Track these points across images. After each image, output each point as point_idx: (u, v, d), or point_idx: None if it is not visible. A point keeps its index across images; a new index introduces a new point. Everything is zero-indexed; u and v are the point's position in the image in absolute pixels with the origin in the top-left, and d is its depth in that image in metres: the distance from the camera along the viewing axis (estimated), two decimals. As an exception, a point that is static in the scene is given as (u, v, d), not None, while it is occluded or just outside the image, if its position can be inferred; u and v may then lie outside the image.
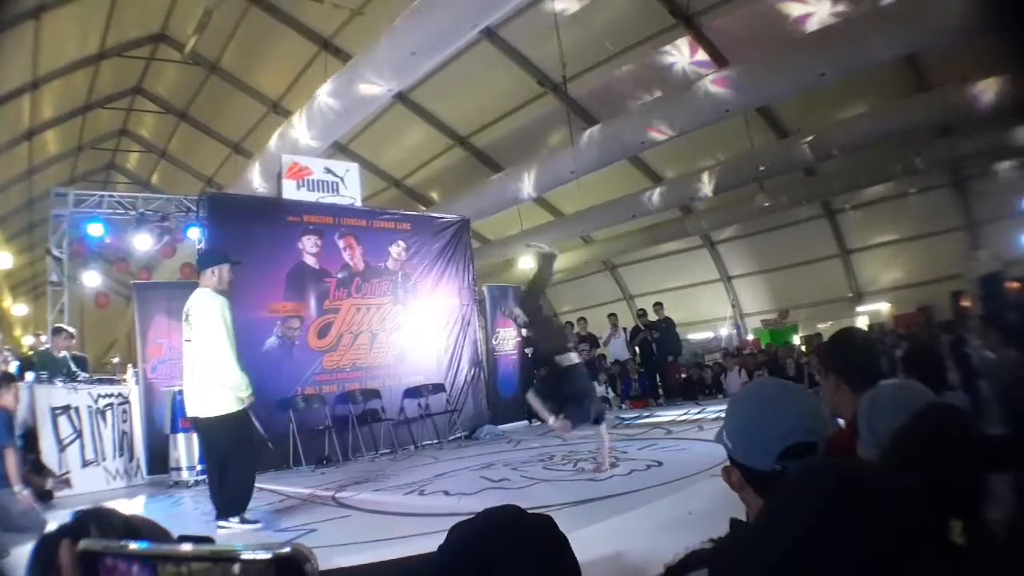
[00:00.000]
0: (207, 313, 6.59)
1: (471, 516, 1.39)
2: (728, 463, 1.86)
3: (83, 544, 1.09)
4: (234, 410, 6.55)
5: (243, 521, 6.51)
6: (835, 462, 1.33)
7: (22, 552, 5.61)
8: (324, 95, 12.93)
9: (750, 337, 21.05)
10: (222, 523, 6.46)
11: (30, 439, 9.07)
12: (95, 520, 1.29)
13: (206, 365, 6.58)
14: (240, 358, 6.65)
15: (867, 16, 11.27)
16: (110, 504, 1.49)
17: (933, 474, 1.45)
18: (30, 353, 13.62)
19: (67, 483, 8.96)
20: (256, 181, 15.19)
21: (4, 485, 6.90)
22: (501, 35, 14.88)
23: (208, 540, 1.55)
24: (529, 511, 1.41)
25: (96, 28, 16.03)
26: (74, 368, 10.63)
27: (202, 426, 6.76)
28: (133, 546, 1.08)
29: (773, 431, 1.73)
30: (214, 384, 6.55)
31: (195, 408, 6.69)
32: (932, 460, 1.57)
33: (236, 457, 6.65)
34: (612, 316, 17.82)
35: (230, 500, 6.55)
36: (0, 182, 19.56)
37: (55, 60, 15.97)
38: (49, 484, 8.53)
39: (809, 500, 1.05)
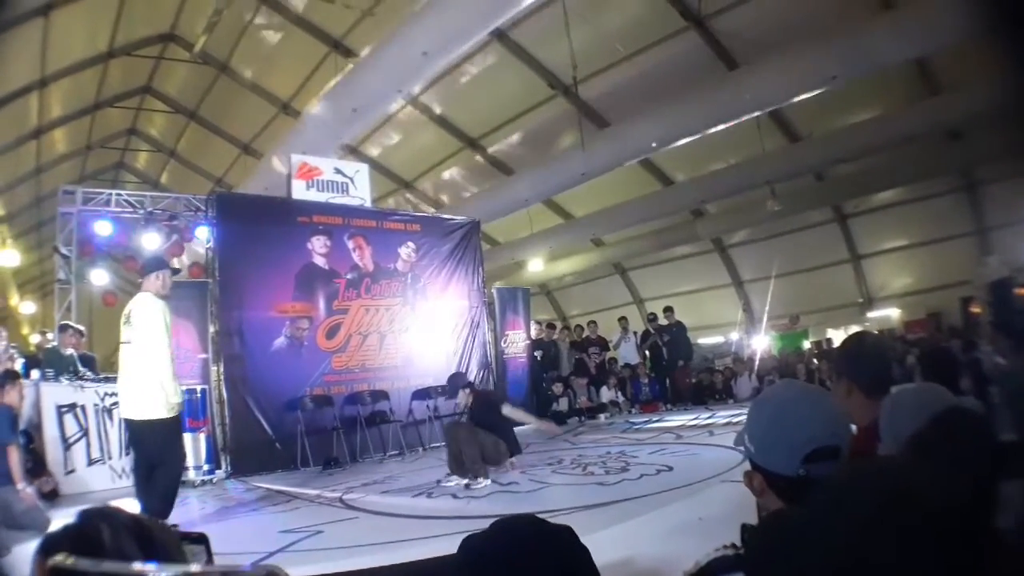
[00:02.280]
0: (149, 317, 6.59)
1: (483, 529, 1.34)
2: (749, 467, 1.82)
3: (53, 562, 1.06)
4: (167, 416, 6.51)
5: None
6: (879, 464, 1.30)
7: (23, 550, 5.60)
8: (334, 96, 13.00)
9: (760, 342, 20.98)
10: None
11: (32, 437, 9.02)
12: (105, 520, 1.25)
13: (144, 368, 6.53)
14: (172, 365, 6.64)
15: (878, 18, 11.27)
16: (116, 503, 1.45)
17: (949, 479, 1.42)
18: (36, 351, 13.61)
19: (54, 483, 8.92)
20: (265, 181, 15.19)
21: (7, 482, 6.90)
22: (511, 36, 14.87)
23: (203, 538, 1.51)
24: (546, 519, 1.36)
25: (105, 27, 16.07)
26: (80, 367, 10.59)
27: (134, 428, 6.67)
28: (107, 566, 1.04)
29: (797, 435, 1.70)
30: (150, 387, 6.49)
31: (130, 410, 6.62)
32: (947, 464, 1.53)
33: (163, 463, 6.57)
34: (623, 320, 17.77)
35: (156, 505, 6.39)
36: (8, 180, 19.61)
37: (63, 58, 15.99)
38: (35, 483, 8.46)
39: (860, 503, 1.03)
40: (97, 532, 1.22)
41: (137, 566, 1.12)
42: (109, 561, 1.10)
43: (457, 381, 9.51)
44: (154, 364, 6.52)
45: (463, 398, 9.15)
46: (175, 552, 1.31)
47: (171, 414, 6.54)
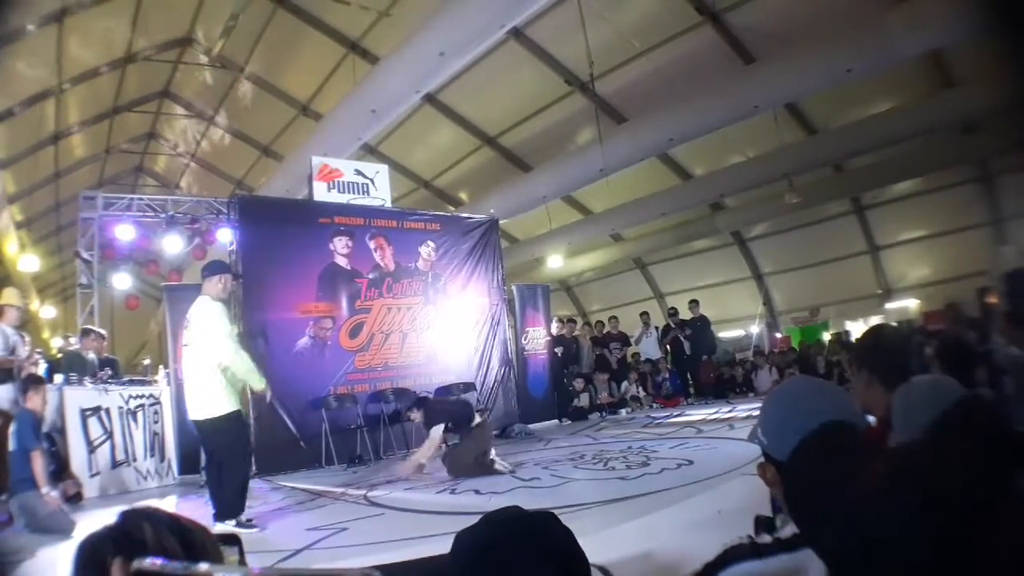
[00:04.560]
0: (207, 318, 6.69)
1: (473, 524, 1.41)
2: (763, 460, 1.87)
3: (137, 565, 1.10)
4: (229, 411, 6.63)
5: (239, 524, 6.46)
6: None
7: (48, 554, 5.70)
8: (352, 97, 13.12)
9: (780, 335, 20.96)
10: (219, 525, 6.39)
11: (51, 442, 9.01)
12: (147, 519, 1.29)
13: (202, 368, 6.66)
14: (241, 355, 6.79)
15: (892, 11, 11.26)
16: (143, 504, 1.50)
17: (964, 469, 1.47)
18: (59, 355, 13.74)
19: (79, 485, 8.97)
20: (286, 183, 15.30)
21: (31, 487, 6.99)
22: (528, 34, 14.90)
23: (235, 539, 1.56)
24: (553, 510, 1.43)
25: (121, 32, 16.18)
26: (98, 371, 10.67)
27: (201, 428, 6.78)
28: (200, 568, 1.08)
29: (807, 426, 1.75)
30: (208, 387, 6.62)
31: (194, 411, 6.76)
32: (963, 454, 1.58)
33: (228, 459, 6.70)
34: (644, 315, 17.70)
35: (225, 503, 6.58)
36: (27, 185, 19.76)
37: (80, 64, 16.15)
38: (60, 487, 8.51)
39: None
40: (140, 531, 1.27)
41: (229, 569, 1.16)
42: (203, 563, 1.14)
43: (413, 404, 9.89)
44: (219, 362, 6.63)
45: (416, 417, 9.54)
46: (213, 551, 1.36)
47: (233, 409, 6.67)
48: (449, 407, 9.65)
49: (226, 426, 6.62)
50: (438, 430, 8.78)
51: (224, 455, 6.71)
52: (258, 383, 6.90)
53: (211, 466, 6.97)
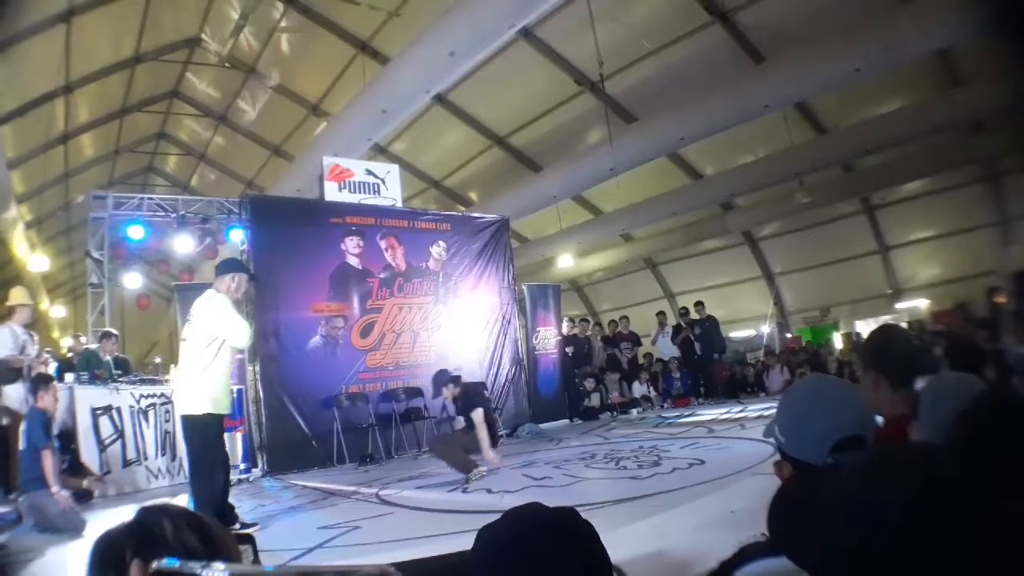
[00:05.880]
0: (210, 307, 6.43)
1: (496, 519, 1.44)
2: (779, 458, 1.88)
3: (156, 566, 1.11)
4: (202, 412, 6.27)
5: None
6: (924, 448, 1.36)
7: (57, 553, 5.72)
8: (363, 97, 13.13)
9: (791, 335, 20.93)
10: None
11: (66, 440, 9.02)
12: (166, 516, 1.30)
13: (195, 363, 6.37)
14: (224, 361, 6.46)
15: (899, 10, 11.24)
16: (152, 503, 1.50)
17: (992, 464, 1.47)
18: (69, 355, 13.77)
19: (102, 481, 9.04)
20: (297, 183, 15.33)
21: (41, 486, 7.01)
22: (538, 34, 14.91)
23: (249, 538, 1.57)
24: (561, 507, 1.44)
25: (130, 32, 16.25)
26: (115, 371, 10.76)
27: (183, 425, 6.54)
28: (217, 566, 1.09)
29: (825, 425, 1.78)
30: (196, 383, 6.33)
31: (178, 406, 6.63)
32: (990, 448, 1.58)
33: (194, 465, 6.42)
34: (660, 315, 17.68)
35: (195, 505, 6.14)
36: (36, 185, 19.83)
37: (88, 64, 16.18)
38: (85, 483, 8.59)
39: (907, 481, 1.08)
40: (160, 527, 1.28)
41: (248, 568, 1.16)
42: (220, 562, 1.15)
43: (440, 378, 9.40)
44: (237, 346, 6.52)
45: (448, 393, 9.19)
46: (232, 547, 1.37)
47: (211, 410, 6.31)
48: (484, 398, 9.58)
49: (199, 427, 6.33)
50: (479, 413, 8.72)
51: (191, 459, 6.48)
52: (220, 393, 6.43)
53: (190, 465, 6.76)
